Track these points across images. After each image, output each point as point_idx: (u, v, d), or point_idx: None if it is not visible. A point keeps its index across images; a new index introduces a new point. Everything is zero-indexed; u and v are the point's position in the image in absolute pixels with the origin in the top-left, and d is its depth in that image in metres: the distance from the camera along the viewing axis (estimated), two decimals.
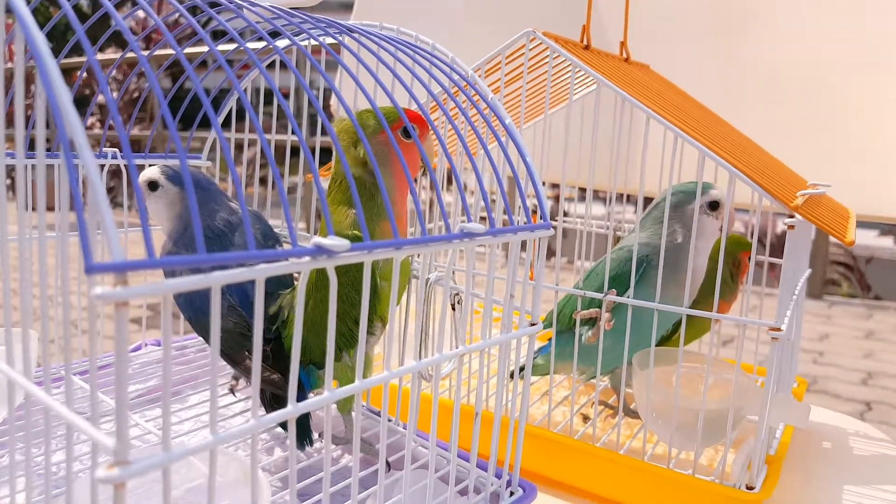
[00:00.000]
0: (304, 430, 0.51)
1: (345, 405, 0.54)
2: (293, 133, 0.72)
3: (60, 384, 0.57)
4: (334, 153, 0.50)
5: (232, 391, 0.61)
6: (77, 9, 0.35)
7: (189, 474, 0.44)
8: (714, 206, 0.60)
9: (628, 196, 0.73)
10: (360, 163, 0.49)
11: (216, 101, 0.59)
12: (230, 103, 0.65)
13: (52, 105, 0.24)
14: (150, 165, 0.67)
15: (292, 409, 0.31)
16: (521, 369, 0.57)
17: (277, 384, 0.51)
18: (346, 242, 0.30)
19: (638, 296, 0.57)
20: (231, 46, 0.63)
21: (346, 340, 0.51)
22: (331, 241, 0.30)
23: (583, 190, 0.64)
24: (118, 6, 0.38)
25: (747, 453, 0.57)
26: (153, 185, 0.56)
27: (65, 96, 0.25)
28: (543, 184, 0.67)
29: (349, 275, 0.48)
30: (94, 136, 5.39)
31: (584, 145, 0.59)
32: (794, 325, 0.66)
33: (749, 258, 0.71)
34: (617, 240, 0.77)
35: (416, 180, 0.55)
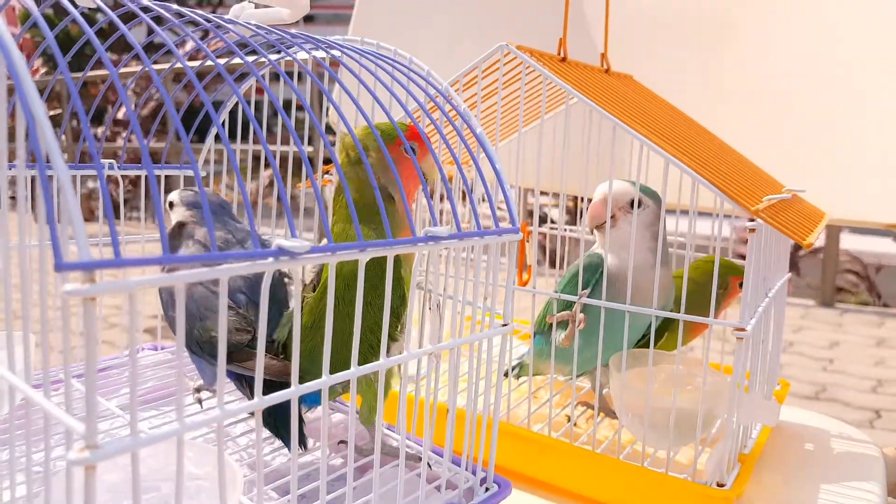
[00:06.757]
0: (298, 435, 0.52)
1: (368, 418, 0.54)
2: (282, 144, 0.74)
3: (60, 386, 0.59)
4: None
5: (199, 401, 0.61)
6: (95, 25, 0.37)
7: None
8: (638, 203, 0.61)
9: None
10: (362, 182, 0.50)
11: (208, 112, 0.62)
12: (223, 114, 0.68)
13: (28, 119, 0.27)
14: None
15: (257, 402, 0.33)
16: (514, 369, 0.60)
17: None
18: (306, 244, 0.32)
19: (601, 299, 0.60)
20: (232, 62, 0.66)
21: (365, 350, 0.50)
22: (291, 243, 0.32)
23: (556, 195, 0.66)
24: (130, 19, 0.41)
25: (720, 452, 0.58)
26: (169, 205, 0.60)
27: (40, 111, 0.27)
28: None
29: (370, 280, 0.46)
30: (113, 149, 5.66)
31: (559, 155, 0.61)
32: (772, 329, 0.68)
33: (740, 283, 0.71)
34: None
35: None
